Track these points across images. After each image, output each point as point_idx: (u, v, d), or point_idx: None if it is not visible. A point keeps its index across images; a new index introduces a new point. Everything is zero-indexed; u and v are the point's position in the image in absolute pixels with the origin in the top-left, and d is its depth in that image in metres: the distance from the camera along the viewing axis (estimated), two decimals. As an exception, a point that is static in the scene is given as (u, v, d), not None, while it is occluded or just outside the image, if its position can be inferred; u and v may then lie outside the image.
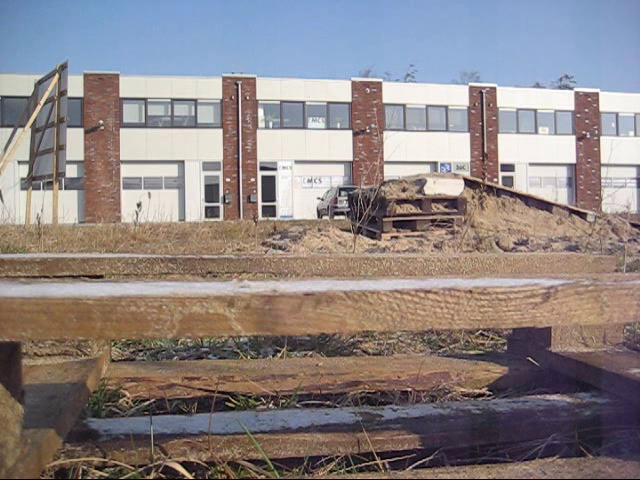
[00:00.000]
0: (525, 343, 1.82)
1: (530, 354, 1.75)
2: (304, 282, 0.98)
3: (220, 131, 35.05)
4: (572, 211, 9.05)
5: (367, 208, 6.29)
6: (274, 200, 35.68)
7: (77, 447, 1.17)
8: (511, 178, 37.01)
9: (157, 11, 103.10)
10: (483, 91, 37.98)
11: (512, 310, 0.89)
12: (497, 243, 6.39)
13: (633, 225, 8.12)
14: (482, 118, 37.89)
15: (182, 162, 34.52)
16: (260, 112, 35.63)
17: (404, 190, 8.62)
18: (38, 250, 6.36)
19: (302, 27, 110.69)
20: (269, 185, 35.78)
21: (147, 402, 1.56)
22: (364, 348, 2.26)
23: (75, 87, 27.61)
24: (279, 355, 2.09)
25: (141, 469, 1.14)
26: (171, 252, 6.03)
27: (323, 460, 1.23)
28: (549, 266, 1.95)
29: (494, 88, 38.42)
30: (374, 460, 1.20)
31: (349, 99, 36.38)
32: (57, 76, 14.94)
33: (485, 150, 37.53)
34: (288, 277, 1.98)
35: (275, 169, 35.76)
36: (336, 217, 23.15)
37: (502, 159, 37.96)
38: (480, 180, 8.93)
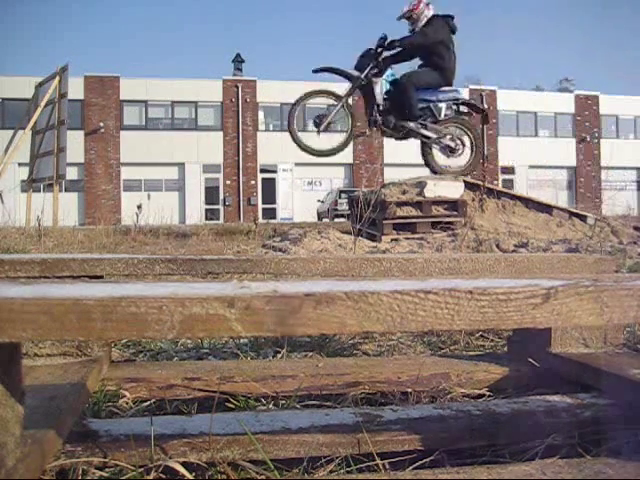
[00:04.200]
0: (525, 344, 1.82)
1: (530, 355, 1.75)
2: (304, 283, 0.98)
3: (220, 133, 35.08)
4: (572, 214, 9.03)
5: (367, 210, 6.29)
6: (274, 202, 35.69)
7: (77, 447, 1.17)
8: (511, 181, 37.01)
9: (157, 13, 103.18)
10: (483, 94, 38.00)
11: (512, 311, 0.89)
12: (497, 245, 6.39)
13: (635, 228, 8.10)
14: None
15: (182, 164, 34.54)
16: (260, 114, 35.66)
17: (404, 192, 8.61)
18: (38, 252, 6.35)
19: (302, 29, 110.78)
20: (269, 187, 35.80)
21: (147, 403, 1.56)
22: (364, 349, 2.26)
23: (76, 89, 27.60)
24: (279, 356, 2.09)
25: (141, 469, 1.14)
26: (171, 254, 6.03)
27: (323, 461, 1.23)
28: (549, 267, 1.94)
29: (494, 91, 38.46)
30: (374, 461, 1.20)
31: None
32: (57, 78, 14.94)
33: (485, 153, 37.53)
34: (288, 278, 1.98)
35: (275, 171, 35.78)
36: (336, 219, 23.14)
37: (502, 162, 37.97)
38: (480, 183, 8.91)
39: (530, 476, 1.07)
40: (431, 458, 1.23)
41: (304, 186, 36.31)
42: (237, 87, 35.19)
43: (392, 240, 7.90)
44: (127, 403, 1.55)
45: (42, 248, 6.82)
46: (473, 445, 1.28)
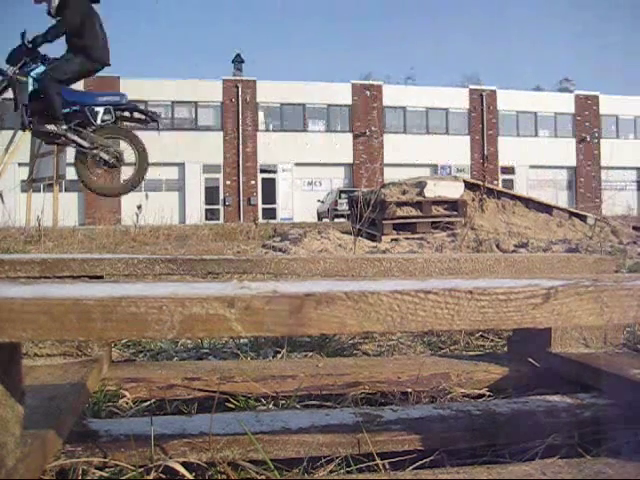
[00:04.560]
0: (525, 344, 1.82)
1: (530, 355, 1.75)
2: (304, 283, 0.98)
3: (220, 134, 35.08)
4: (572, 214, 9.04)
5: (367, 211, 6.30)
6: (274, 203, 35.71)
7: (77, 447, 1.17)
8: (511, 181, 37.01)
9: (158, 14, 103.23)
10: (483, 94, 38.03)
11: (512, 311, 0.89)
12: (497, 246, 6.39)
13: (635, 228, 8.10)
14: (482, 121, 37.93)
15: (182, 164, 34.54)
16: (260, 115, 35.69)
17: (404, 193, 8.62)
18: (38, 252, 6.35)
19: (302, 30, 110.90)
20: (269, 187, 35.81)
21: (147, 403, 1.56)
22: (364, 349, 2.26)
23: (76, 89, 27.54)
24: (279, 356, 2.09)
25: (141, 469, 1.14)
26: (171, 254, 6.03)
27: (323, 461, 1.23)
28: (549, 267, 1.94)
29: (494, 91, 38.48)
30: (374, 461, 1.20)
31: (349, 102, 36.42)
32: (58, 78, 14.93)
33: (485, 153, 37.56)
34: (288, 278, 1.98)
35: (275, 172, 35.79)
36: (336, 220, 23.13)
37: (502, 162, 37.99)
38: (480, 183, 8.92)
39: (530, 476, 1.07)
40: (431, 458, 1.23)
41: (304, 186, 36.32)
42: (237, 87, 35.19)
43: (392, 240, 7.91)
44: (127, 403, 1.56)
45: (42, 248, 6.83)
46: (473, 445, 1.28)
